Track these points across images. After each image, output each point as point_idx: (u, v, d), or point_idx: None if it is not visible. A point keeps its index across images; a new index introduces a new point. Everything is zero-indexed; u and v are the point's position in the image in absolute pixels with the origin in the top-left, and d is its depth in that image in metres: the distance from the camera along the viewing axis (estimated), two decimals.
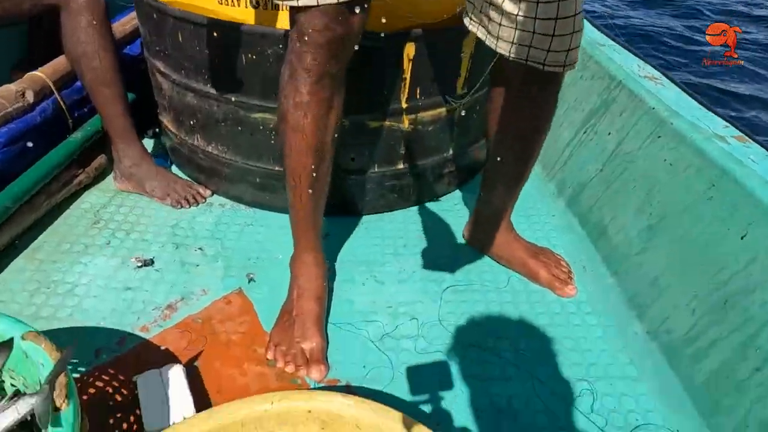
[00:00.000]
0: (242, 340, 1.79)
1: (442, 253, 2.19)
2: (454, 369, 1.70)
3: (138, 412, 1.49)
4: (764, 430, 1.35)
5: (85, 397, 1.58)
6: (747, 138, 1.81)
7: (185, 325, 1.83)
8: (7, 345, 1.17)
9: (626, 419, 1.55)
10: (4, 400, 1.12)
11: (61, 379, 1.06)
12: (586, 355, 1.75)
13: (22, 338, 1.16)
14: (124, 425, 1.50)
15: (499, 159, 1.83)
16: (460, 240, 2.26)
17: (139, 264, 2.06)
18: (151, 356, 1.70)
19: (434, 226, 2.34)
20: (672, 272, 1.77)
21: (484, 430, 1.51)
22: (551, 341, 1.79)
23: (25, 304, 1.85)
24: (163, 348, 1.74)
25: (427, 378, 1.67)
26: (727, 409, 1.47)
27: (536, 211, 2.42)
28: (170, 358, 1.68)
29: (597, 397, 1.61)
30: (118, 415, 1.53)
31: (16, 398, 1.09)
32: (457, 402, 1.60)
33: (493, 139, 1.84)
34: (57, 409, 1.04)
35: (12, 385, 1.28)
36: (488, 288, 2.02)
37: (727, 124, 1.90)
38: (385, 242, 2.25)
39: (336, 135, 1.54)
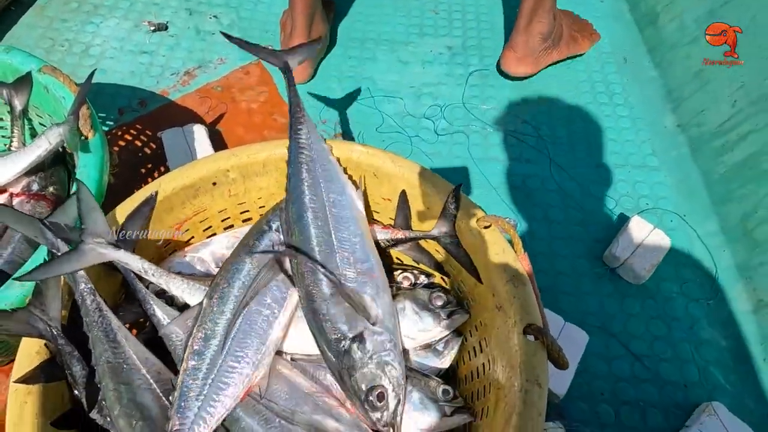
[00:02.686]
0: (262, 108, 1.78)
1: (470, 35, 2.03)
2: (473, 149, 1.69)
3: (166, 168, 1.56)
4: None
5: (115, 148, 1.64)
6: None
7: (205, 92, 1.81)
8: (26, 79, 1.16)
9: (637, 203, 1.58)
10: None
11: (84, 110, 1.06)
12: (609, 145, 1.72)
13: (40, 71, 1.15)
14: (155, 174, 1.58)
15: None
16: (491, 23, 2.07)
17: (153, 28, 1.95)
18: (173, 118, 1.72)
19: (466, 4, 2.13)
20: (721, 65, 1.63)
21: (498, 203, 1.57)
22: (576, 130, 1.75)
23: None
24: (184, 111, 1.74)
25: (446, 157, 1.68)
26: (740, 198, 1.48)
27: None
28: (192, 120, 1.70)
29: (612, 183, 1.62)
30: (149, 166, 1.60)
31: (45, 129, 1.11)
32: (473, 178, 1.63)
33: None
34: (85, 138, 1.06)
35: (40, 124, 1.31)
36: (512, 82, 1.91)
37: None
38: (411, 21, 2.08)
39: None
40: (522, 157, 1.68)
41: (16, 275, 0.86)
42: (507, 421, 0.79)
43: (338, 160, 1.06)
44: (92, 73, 1.07)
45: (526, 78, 1.85)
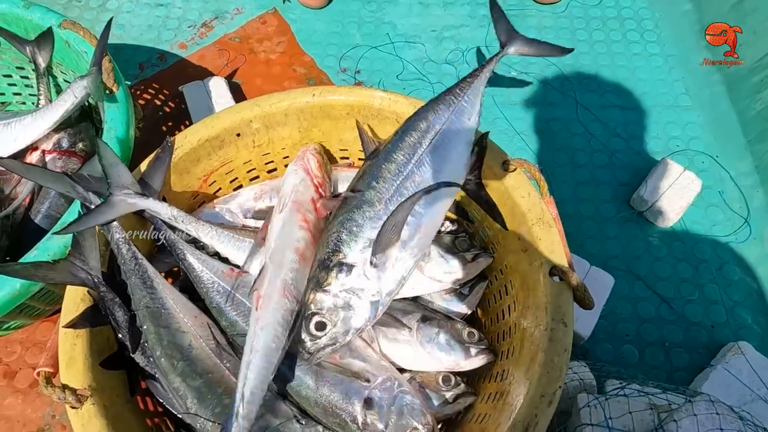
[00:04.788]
0: (281, 59, 1.75)
1: None
2: (496, 94, 1.65)
3: (188, 122, 1.57)
4: None
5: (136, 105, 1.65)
6: None
7: (223, 44, 1.79)
8: (48, 35, 1.17)
9: (667, 145, 1.54)
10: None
11: (106, 63, 1.07)
12: (639, 85, 1.66)
13: (60, 26, 1.15)
14: (179, 129, 1.59)
15: None
16: None
17: None
18: (193, 71, 1.71)
19: None
20: None
21: (522, 148, 1.54)
22: (604, 71, 1.69)
23: None
24: (203, 64, 1.74)
25: None
26: None
27: None
28: (211, 73, 1.69)
29: (641, 124, 1.57)
30: (170, 123, 1.62)
31: (70, 84, 1.12)
32: (496, 123, 1.60)
33: None
34: (110, 92, 1.07)
35: (65, 80, 1.32)
36: (543, 13, 1.83)
37: None
38: None
39: None
40: (546, 101, 1.64)
41: (54, 229, 0.89)
42: (533, 359, 0.81)
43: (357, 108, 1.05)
44: (110, 22, 1.07)
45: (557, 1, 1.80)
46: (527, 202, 0.92)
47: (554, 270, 0.85)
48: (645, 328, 1.28)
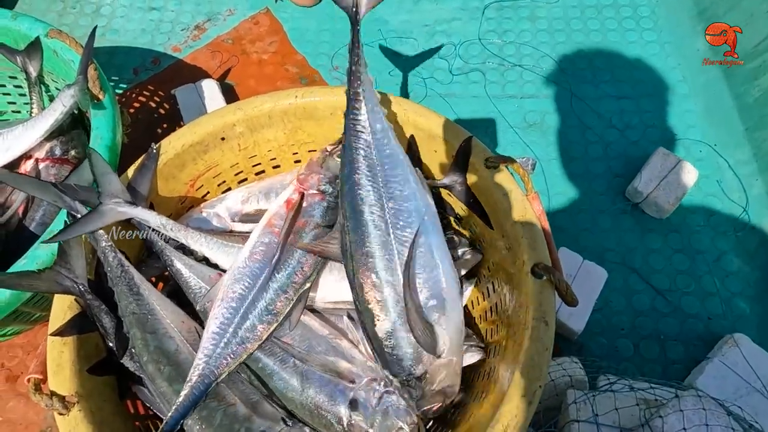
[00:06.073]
0: (273, 59, 1.75)
1: None
2: (490, 87, 1.64)
3: (182, 123, 1.58)
4: None
5: (131, 110, 1.67)
6: None
7: (216, 46, 1.79)
8: (36, 45, 1.18)
9: (663, 134, 1.52)
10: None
11: (92, 71, 1.08)
12: (635, 73, 1.63)
13: (47, 36, 1.16)
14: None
15: None
16: None
17: None
18: (186, 74, 1.72)
19: None
20: None
21: (516, 142, 1.53)
22: (599, 59, 1.66)
23: (55, 25, 1.82)
24: (196, 66, 1.74)
25: (461, 97, 1.63)
26: None
27: None
28: (205, 76, 1.70)
29: (636, 114, 1.55)
30: (165, 125, 1.63)
31: (58, 93, 1.14)
32: (489, 117, 1.59)
33: None
34: (97, 99, 1.08)
35: (56, 88, 1.34)
36: (538, 3, 1.80)
37: None
38: None
39: None
40: (541, 93, 1.62)
41: (42, 238, 0.91)
42: (515, 357, 0.81)
43: (341, 108, 1.05)
44: (94, 31, 1.08)
45: None
46: (510, 200, 0.91)
47: (536, 268, 0.84)
48: (640, 322, 1.27)
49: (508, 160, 0.94)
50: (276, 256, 0.90)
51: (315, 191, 0.98)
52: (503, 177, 0.93)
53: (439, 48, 1.74)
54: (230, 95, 1.66)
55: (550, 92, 1.62)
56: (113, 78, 1.72)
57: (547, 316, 0.81)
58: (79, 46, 1.12)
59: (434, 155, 1.04)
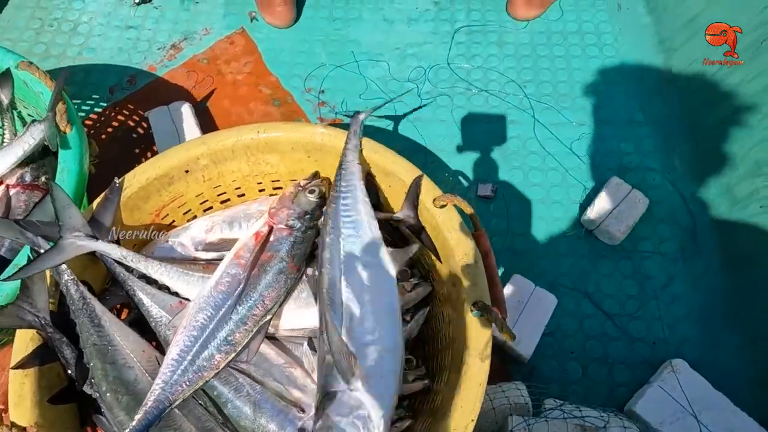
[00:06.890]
0: (248, 79, 1.79)
1: None
2: (456, 111, 1.69)
3: (155, 146, 1.61)
4: (757, 168, 1.36)
5: (109, 130, 1.71)
6: None
7: (191, 65, 1.83)
8: (7, 75, 1.21)
9: (620, 161, 1.58)
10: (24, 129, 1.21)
11: (60, 106, 1.11)
12: (596, 100, 1.69)
13: (18, 67, 1.19)
14: (149, 154, 1.64)
15: None
16: None
17: (138, 1, 1.96)
18: (162, 94, 1.75)
19: None
20: (718, 6, 1.56)
21: (479, 166, 1.58)
22: (562, 86, 1.72)
23: (33, 43, 1.86)
24: (172, 86, 1.78)
25: (429, 121, 1.68)
26: (724, 153, 1.46)
27: None
28: (180, 96, 1.73)
29: (596, 141, 1.61)
30: (142, 146, 1.67)
31: (28, 126, 1.18)
32: (455, 141, 1.64)
33: None
34: (63, 133, 1.12)
35: (29, 115, 1.37)
36: (507, 28, 1.86)
37: None
38: None
39: None
40: (506, 118, 1.68)
41: (2, 276, 0.94)
42: (453, 389, 0.86)
43: (301, 143, 1.10)
44: (64, 75, 1.13)
45: (535, 18, 1.85)
46: (455, 238, 0.97)
47: (476, 305, 0.90)
48: (590, 345, 1.33)
49: (455, 199, 0.99)
50: (240, 288, 0.94)
51: (283, 226, 1.03)
52: (449, 215, 0.99)
53: (409, 71, 1.78)
54: (204, 116, 1.70)
55: (514, 118, 1.67)
56: (91, 96, 1.75)
57: (483, 352, 0.87)
58: (48, 79, 1.16)
59: (389, 190, 1.09)
